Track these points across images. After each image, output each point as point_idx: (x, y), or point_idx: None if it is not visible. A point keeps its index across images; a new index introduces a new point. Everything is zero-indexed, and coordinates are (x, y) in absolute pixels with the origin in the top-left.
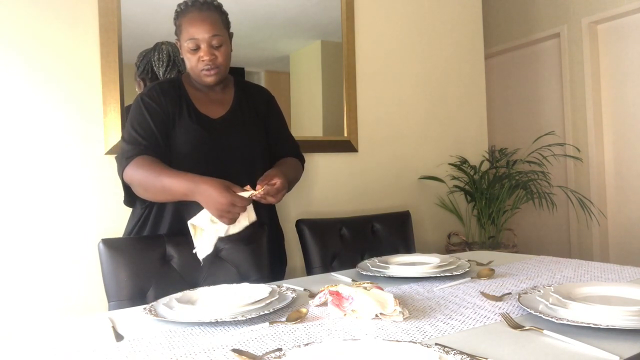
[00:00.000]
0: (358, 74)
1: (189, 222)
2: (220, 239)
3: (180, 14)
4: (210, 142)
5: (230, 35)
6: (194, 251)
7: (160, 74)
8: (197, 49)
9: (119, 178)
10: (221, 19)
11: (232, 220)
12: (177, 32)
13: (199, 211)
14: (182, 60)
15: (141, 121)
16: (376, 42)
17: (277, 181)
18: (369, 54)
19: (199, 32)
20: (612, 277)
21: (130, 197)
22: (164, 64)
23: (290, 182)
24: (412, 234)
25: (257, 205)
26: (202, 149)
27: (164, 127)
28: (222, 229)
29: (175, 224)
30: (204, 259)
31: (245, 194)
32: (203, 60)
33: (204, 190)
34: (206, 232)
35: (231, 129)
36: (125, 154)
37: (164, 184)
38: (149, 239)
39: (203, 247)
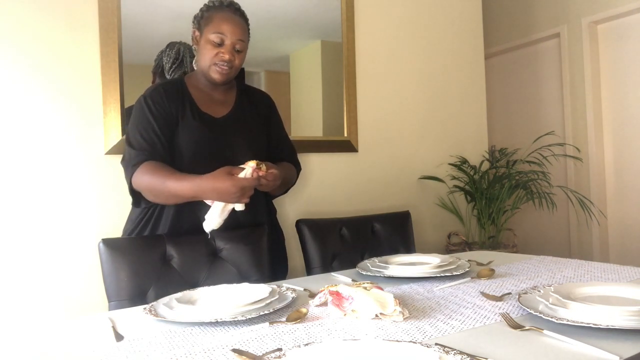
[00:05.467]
0: (358, 74)
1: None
2: (222, 239)
3: (212, 8)
4: (213, 140)
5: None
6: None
7: (167, 68)
8: (221, 44)
9: (119, 178)
10: (247, 29)
11: (248, 200)
12: (202, 23)
13: (199, 212)
14: (190, 61)
15: (145, 125)
16: (376, 42)
17: (274, 170)
18: (369, 54)
19: (229, 31)
20: (612, 277)
21: (137, 199)
22: (171, 60)
23: (285, 182)
24: (412, 234)
25: (258, 206)
26: (206, 147)
27: (167, 130)
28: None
29: (175, 224)
30: (211, 232)
31: (247, 171)
32: (221, 56)
33: (209, 189)
34: (214, 206)
35: (233, 128)
36: (132, 160)
37: (170, 190)
38: (149, 239)
39: (211, 220)
